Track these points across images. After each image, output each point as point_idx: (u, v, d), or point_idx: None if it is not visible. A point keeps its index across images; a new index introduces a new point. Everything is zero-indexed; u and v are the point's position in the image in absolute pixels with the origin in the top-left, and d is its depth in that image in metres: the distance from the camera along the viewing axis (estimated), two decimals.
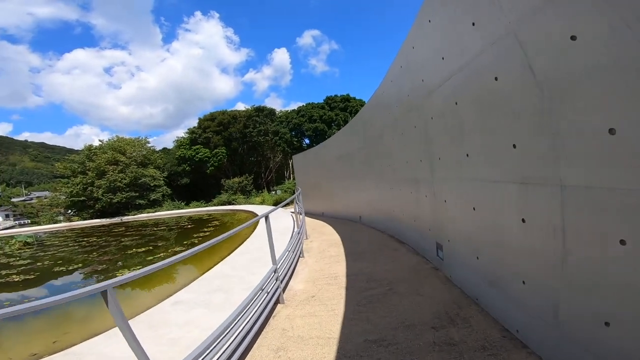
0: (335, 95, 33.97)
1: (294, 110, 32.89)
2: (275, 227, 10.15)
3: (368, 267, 4.92)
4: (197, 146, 32.39)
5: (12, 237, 15.82)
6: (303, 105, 32.79)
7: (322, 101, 33.32)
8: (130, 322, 1.73)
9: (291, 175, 33.68)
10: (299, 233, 6.32)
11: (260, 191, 33.78)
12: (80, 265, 9.39)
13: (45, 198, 36.61)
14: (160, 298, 4.84)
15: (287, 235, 8.07)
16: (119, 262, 9.39)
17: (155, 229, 18.00)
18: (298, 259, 5.67)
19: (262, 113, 34.15)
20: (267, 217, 3.72)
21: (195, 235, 12.88)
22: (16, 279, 8.24)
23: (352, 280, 4.37)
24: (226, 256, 7.00)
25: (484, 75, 2.44)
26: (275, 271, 3.68)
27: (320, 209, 15.35)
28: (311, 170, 15.93)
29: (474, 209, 2.84)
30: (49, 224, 28.64)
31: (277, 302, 3.76)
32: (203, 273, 5.90)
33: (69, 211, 29.83)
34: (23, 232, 24.31)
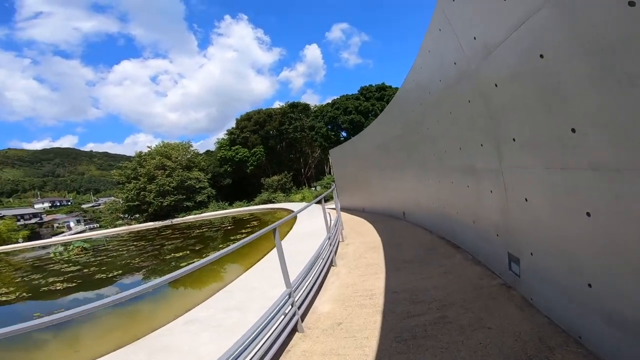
0: (370, 85, 32.44)
1: (328, 103, 32.07)
2: (309, 229, 9.44)
3: (413, 281, 3.96)
4: (236, 146, 33.03)
5: (69, 243, 17.08)
6: (337, 98, 31.81)
7: (356, 92, 32.05)
8: (131, 346, 1.98)
9: (331, 170, 33.02)
10: (330, 238, 5.51)
11: (300, 188, 33.58)
12: (120, 272, 9.55)
13: (104, 204, 39.98)
14: (176, 314, 4.41)
15: (320, 239, 7.34)
16: (154, 269, 9.41)
17: (197, 231, 18.42)
18: (329, 268, 4.87)
19: (296, 109, 33.78)
20: (275, 230, 2.95)
21: (232, 238, 12.69)
22: (59, 287, 8.56)
23: (392, 301, 3.46)
24: (261, 258, 6.50)
25: None
26: (289, 295, 2.92)
27: (360, 204, 14.43)
28: (349, 164, 15.07)
29: (588, 214, 1.79)
30: (110, 228, 31.22)
31: (294, 329, 3.00)
32: (228, 283, 5.42)
33: (127, 215, 32.15)
34: (81, 237, 26.66)
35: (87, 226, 58.26)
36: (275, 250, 6.76)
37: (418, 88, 5.55)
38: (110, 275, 9.37)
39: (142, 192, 30.20)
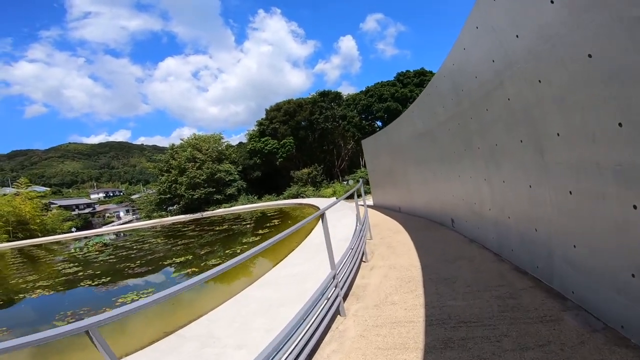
0: (408, 71, 29.44)
1: (362, 91, 29.59)
2: (325, 239, 7.57)
3: None
4: (266, 138, 31.88)
5: (90, 238, 16.84)
6: (371, 86, 29.25)
7: (392, 79, 29.23)
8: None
9: (365, 163, 30.78)
10: (343, 262, 3.63)
11: (332, 181, 31.80)
12: (117, 278, 8.47)
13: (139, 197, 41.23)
14: (179, 323, 3.90)
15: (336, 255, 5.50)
16: (152, 275, 8.22)
17: (218, 228, 17.40)
18: (330, 322, 3.01)
19: (327, 98, 31.73)
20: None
21: (244, 241, 11.27)
22: (45, 293, 7.63)
23: None
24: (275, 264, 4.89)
25: None
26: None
27: (395, 203, 12.33)
28: (383, 156, 13.02)
29: None
30: (146, 220, 31.87)
31: None
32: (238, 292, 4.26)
33: (159, 208, 32.61)
34: (127, 227, 27.16)
35: (134, 216, 61.45)
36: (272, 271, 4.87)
37: (484, 42, 3.42)
38: (107, 279, 8.33)
39: (173, 185, 30.27)
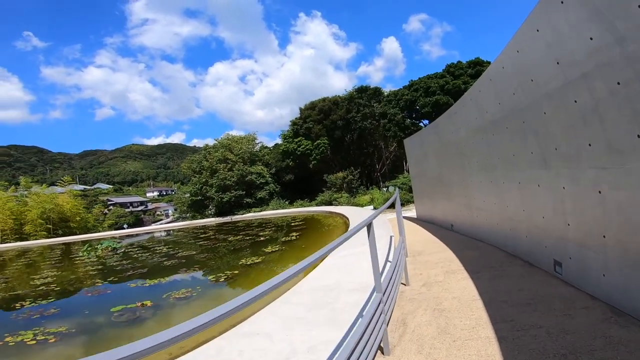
0: (459, 62, 25.35)
1: (405, 86, 26.18)
2: (339, 283, 4.71)
3: None
4: (299, 138, 29.77)
5: (100, 242, 15.90)
6: (415, 80, 25.71)
7: (440, 71, 25.42)
8: None
9: (409, 167, 27.24)
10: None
11: (370, 187, 28.74)
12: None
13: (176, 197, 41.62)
14: None
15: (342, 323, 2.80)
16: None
17: (232, 237, 15.47)
18: None
19: (365, 94, 28.69)
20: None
21: (246, 264, 8.98)
22: None
23: None
24: None
25: None
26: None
27: (446, 217, 9.35)
28: (431, 158, 10.17)
29: None
30: (183, 221, 31.61)
31: None
32: None
33: (189, 211, 32.08)
34: (171, 227, 26.80)
35: (180, 216, 63.82)
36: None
37: None
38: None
39: (204, 187, 29.48)
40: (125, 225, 41.89)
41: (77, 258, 14.10)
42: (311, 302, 4.22)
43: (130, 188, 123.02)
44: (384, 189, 26.33)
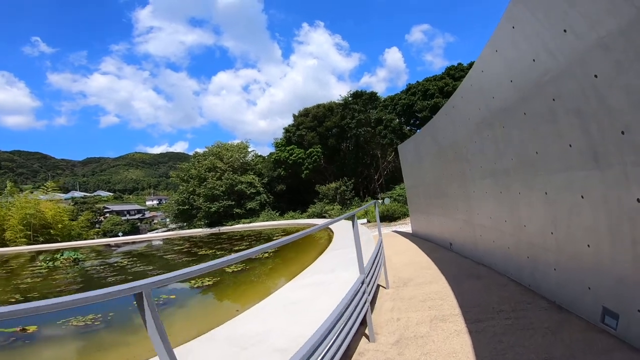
0: (460, 64, 23.93)
1: (402, 90, 24.75)
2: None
3: None
4: (291, 146, 28.25)
5: (60, 252, 14.42)
6: (413, 83, 24.27)
7: (440, 73, 24.00)
8: None
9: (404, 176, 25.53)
10: None
11: (365, 199, 27.08)
12: None
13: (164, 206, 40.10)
14: None
15: None
16: None
17: (206, 251, 13.85)
18: None
19: (360, 99, 27.23)
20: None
21: (194, 286, 7.36)
22: None
23: None
24: None
25: None
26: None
27: (443, 235, 7.75)
28: (426, 164, 8.64)
29: None
30: (167, 231, 29.99)
31: None
32: None
33: (176, 220, 30.56)
34: (169, 235, 25.22)
35: (177, 224, 62.50)
36: None
37: None
38: None
39: (191, 196, 27.93)
40: (120, 233, 41.04)
41: (32, 268, 12.68)
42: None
43: (131, 196, 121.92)
44: (380, 201, 24.64)
